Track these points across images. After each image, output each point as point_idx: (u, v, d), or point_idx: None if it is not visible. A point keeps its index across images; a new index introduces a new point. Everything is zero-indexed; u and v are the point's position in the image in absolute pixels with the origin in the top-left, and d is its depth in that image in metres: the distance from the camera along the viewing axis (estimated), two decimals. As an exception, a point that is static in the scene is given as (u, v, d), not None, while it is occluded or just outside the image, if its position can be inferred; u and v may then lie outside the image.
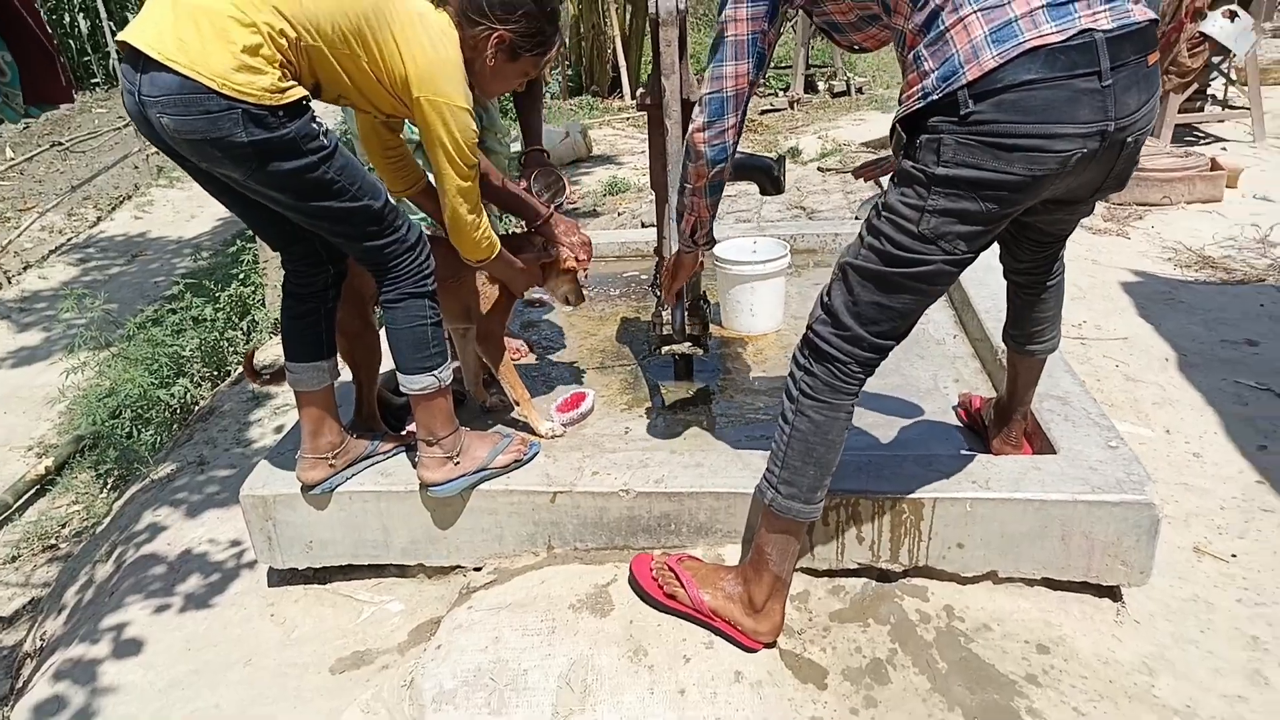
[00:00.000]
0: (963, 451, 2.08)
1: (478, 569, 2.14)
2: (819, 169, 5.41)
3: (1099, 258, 4.16)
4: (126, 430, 3.99)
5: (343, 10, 1.69)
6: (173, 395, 3.98)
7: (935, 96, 1.41)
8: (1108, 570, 1.89)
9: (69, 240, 8.11)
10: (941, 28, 1.42)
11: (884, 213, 1.55)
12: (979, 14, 1.40)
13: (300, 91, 1.66)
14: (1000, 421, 2.15)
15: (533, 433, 2.39)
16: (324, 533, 2.13)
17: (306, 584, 2.23)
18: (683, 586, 1.85)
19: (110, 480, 3.91)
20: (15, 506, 4.39)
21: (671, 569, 1.88)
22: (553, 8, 1.96)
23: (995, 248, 1.92)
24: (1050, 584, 1.94)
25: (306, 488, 2.06)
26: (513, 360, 2.93)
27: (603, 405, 2.59)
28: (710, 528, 2.01)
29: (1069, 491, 1.85)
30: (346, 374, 2.20)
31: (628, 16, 10.08)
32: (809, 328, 1.67)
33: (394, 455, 2.17)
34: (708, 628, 1.84)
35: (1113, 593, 1.93)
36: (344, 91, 1.80)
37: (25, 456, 5.03)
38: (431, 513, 2.08)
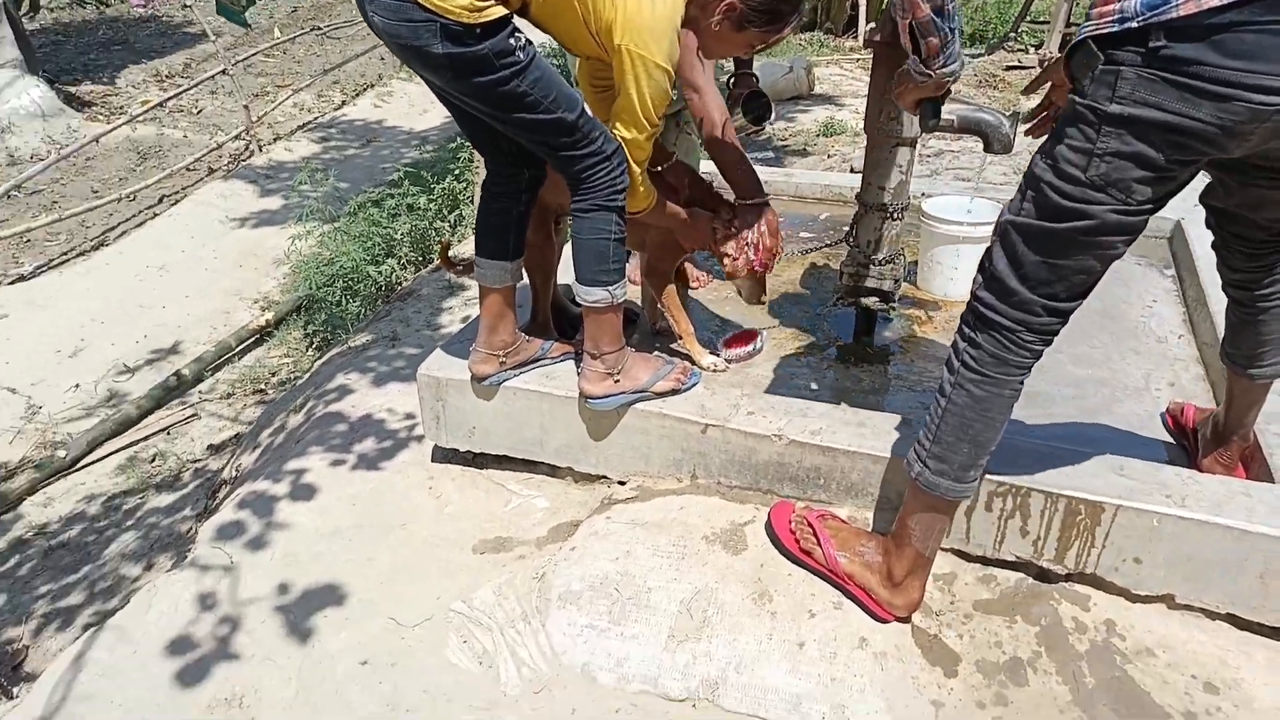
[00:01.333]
0: (1162, 463, 1.87)
1: (622, 483, 2.17)
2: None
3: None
4: (337, 299, 4.34)
5: None
6: (380, 273, 4.27)
7: (1134, 24, 1.22)
8: (1310, 623, 1.66)
9: (315, 119, 8.78)
10: None
11: (1045, 159, 1.38)
12: None
13: (499, 11, 1.67)
14: (1216, 440, 1.91)
15: (695, 364, 2.37)
16: (487, 422, 2.22)
17: (465, 466, 2.35)
18: (820, 545, 1.79)
19: (316, 340, 4.27)
20: (236, 350, 4.91)
21: (811, 525, 1.82)
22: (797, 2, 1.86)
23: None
24: (1236, 621, 1.73)
25: (476, 379, 2.14)
26: (693, 287, 2.92)
27: (773, 348, 2.53)
28: (862, 489, 1.93)
29: (1281, 527, 1.63)
30: (526, 279, 2.26)
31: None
32: (972, 294, 1.54)
33: (561, 361, 2.22)
34: (840, 589, 1.78)
35: (1311, 648, 1.70)
36: (547, 22, 1.81)
37: (252, 308, 5.59)
38: (587, 422, 2.12)
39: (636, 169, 1.94)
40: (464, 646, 1.82)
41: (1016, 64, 6.68)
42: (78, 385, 4.68)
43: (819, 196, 3.58)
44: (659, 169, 2.28)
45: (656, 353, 2.30)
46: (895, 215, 2.41)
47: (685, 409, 2.04)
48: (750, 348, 2.45)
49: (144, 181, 6.83)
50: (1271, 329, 1.72)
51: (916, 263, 2.89)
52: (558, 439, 2.18)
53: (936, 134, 2.38)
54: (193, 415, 4.41)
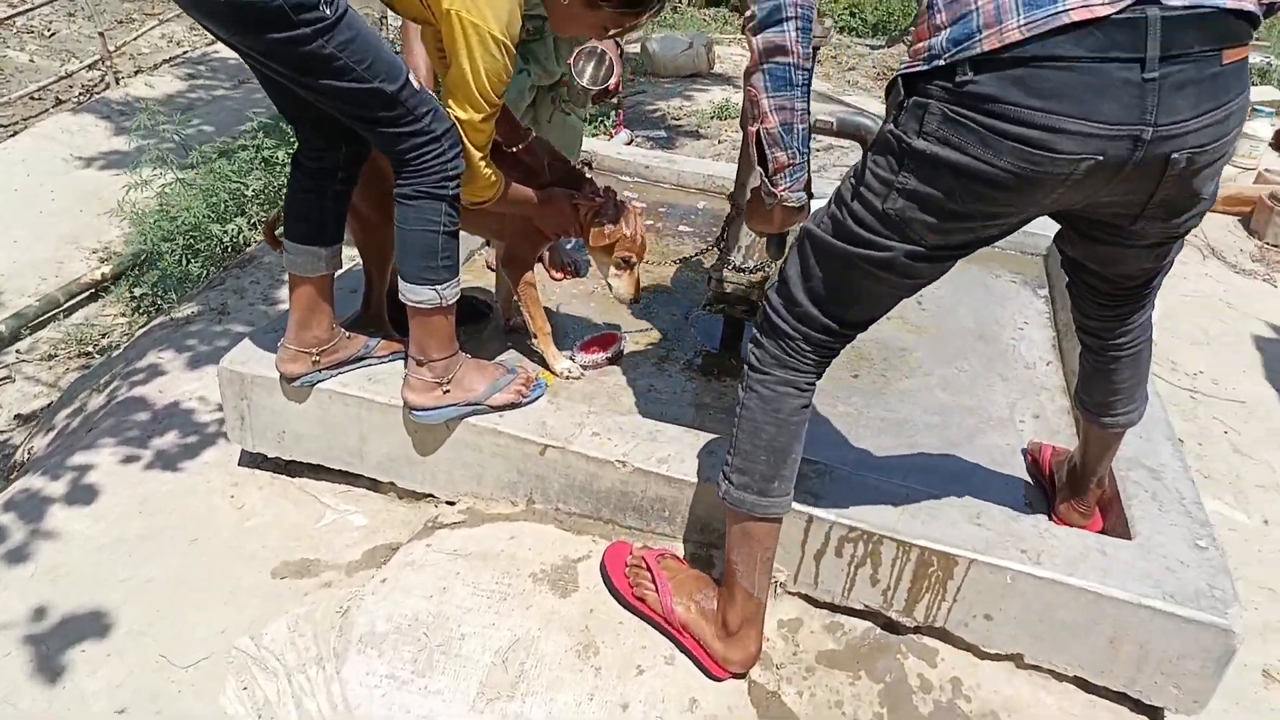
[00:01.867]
0: (1018, 510, 1.77)
1: (451, 503, 1.94)
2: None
3: (1236, 302, 3.66)
4: (178, 257, 3.92)
5: None
6: (225, 232, 3.87)
7: (943, 62, 1.14)
8: (1156, 689, 1.58)
9: (185, 54, 8.08)
10: None
11: (852, 179, 1.32)
12: None
13: None
14: (1072, 488, 1.82)
15: (547, 367, 2.16)
16: (298, 426, 1.96)
17: (275, 473, 2.08)
18: (655, 589, 1.62)
19: (144, 304, 3.86)
20: (64, 306, 4.42)
21: (648, 567, 1.65)
22: None
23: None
24: (1083, 684, 1.65)
25: (285, 379, 1.87)
26: (556, 279, 2.70)
27: (633, 353, 2.34)
28: (708, 525, 1.77)
29: (1134, 590, 1.54)
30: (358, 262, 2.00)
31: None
32: (765, 293, 1.47)
33: (389, 361, 1.97)
34: (674, 641, 1.61)
35: (1153, 712, 1.64)
36: None
37: (89, 259, 5.06)
38: (412, 434, 1.88)
39: (475, 153, 1.71)
40: (243, 694, 1.58)
41: (917, 60, 6.67)
42: None
43: (702, 187, 3.39)
44: (513, 149, 2.05)
45: (499, 359, 2.08)
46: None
47: (523, 426, 1.83)
48: (609, 352, 2.25)
49: (-29, 114, 6.14)
50: (1123, 377, 1.63)
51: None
52: (379, 450, 1.93)
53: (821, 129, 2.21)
54: (5, 378, 3.94)
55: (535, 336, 2.16)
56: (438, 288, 1.70)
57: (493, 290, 2.50)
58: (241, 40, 1.47)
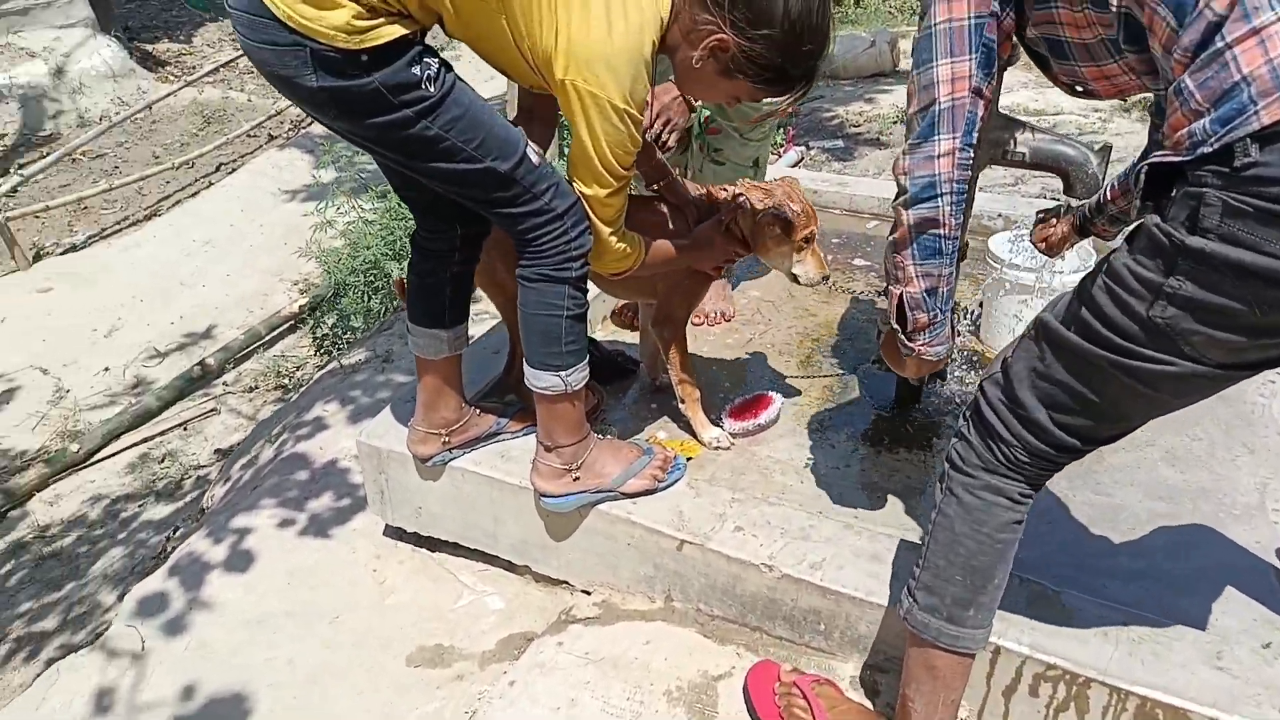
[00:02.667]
0: (1275, 646, 1.40)
1: (587, 592, 1.81)
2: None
3: None
4: (360, 294, 4.06)
5: None
6: (402, 269, 3.96)
7: (1208, 149, 0.96)
8: None
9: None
10: (1221, 45, 0.96)
11: (1106, 276, 1.10)
12: None
13: (393, 33, 1.29)
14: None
15: (694, 435, 1.98)
16: (434, 504, 1.89)
17: (417, 546, 2.03)
18: (810, 722, 1.40)
19: (325, 343, 4.02)
20: (265, 339, 4.72)
21: (802, 693, 1.43)
22: (808, 61, 1.45)
23: None
24: None
25: (417, 459, 1.80)
26: (710, 324, 2.51)
27: (791, 416, 2.10)
28: (874, 645, 1.52)
29: None
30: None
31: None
32: (980, 381, 1.27)
33: (522, 436, 1.85)
34: (826, 789, 1.39)
35: None
36: (472, 46, 1.42)
37: (290, 290, 5.41)
38: (544, 519, 1.76)
39: (604, 229, 1.55)
40: (365, 803, 1.51)
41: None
42: (107, 369, 4.58)
43: (878, 212, 3.08)
44: (654, 187, 1.88)
45: (637, 437, 1.91)
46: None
47: (658, 517, 1.66)
48: (762, 418, 2.03)
49: (201, 149, 6.73)
50: None
51: (981, 308, 2.41)
52: (513, 532, 1.83)
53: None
54: (212, 410, 4.24)
55: (683, 401, 1.98)
56: (562, 374, 1.56)
57: (637, 343, 2.34)
58: (341, 126, 1.39)
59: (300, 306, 4.85)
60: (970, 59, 1.21)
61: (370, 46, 1.28)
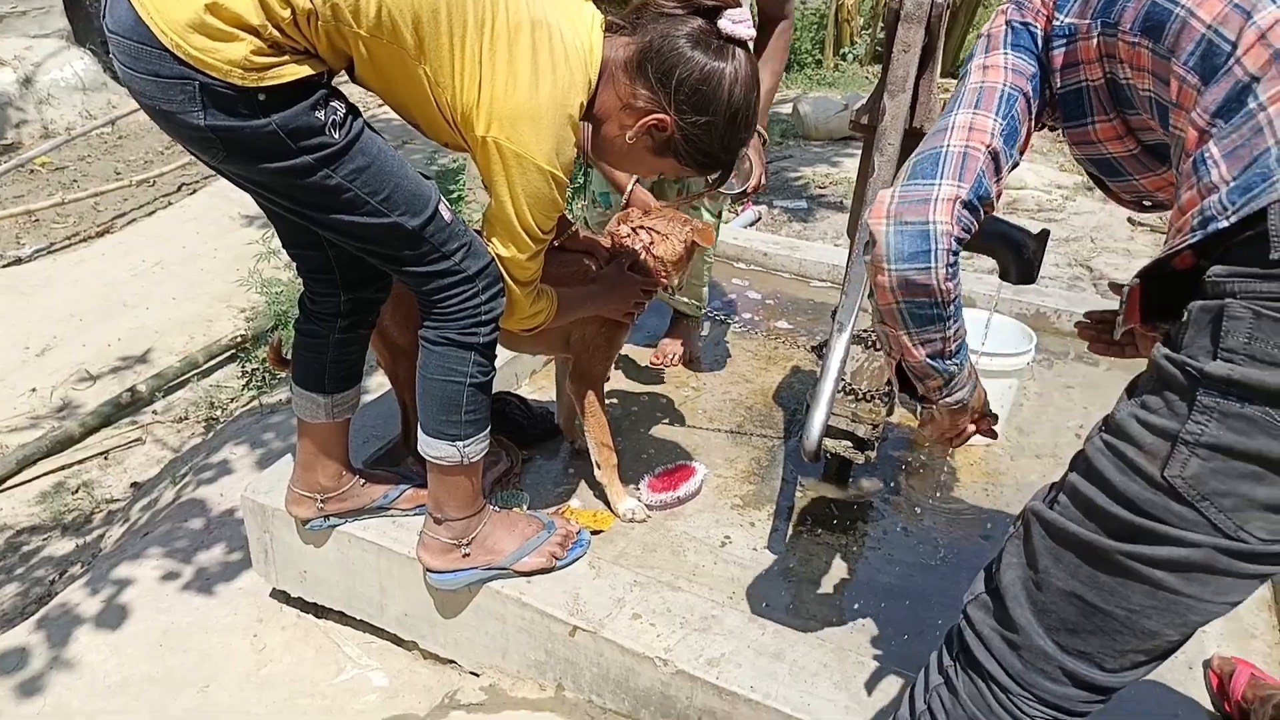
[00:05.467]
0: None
1: (475, 674, 1.68)
2: (1129, 219, 4.26)
3: None
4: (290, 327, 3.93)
5: None
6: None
7: (1223, 223, 0.78)
8: None
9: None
10: (1254, 105, 0.81)
11: (1106, 434, 0.89)
12: None
13: (296, 73, 1.19)
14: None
15: (610, 507, 1.87)
16: (319, 569, 1.76)
17: (303, 611, 1.89)
18: None
19: (254, 378, 3.88)
20: (203, 367, 4.57)
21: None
22: (739, 148, 1.42)
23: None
24: None
25: (295, 519, 1.68)
26: (662, 364, 2.42)
27: (713, 489, 2.00)
28: (767, 751, 1.41)
29: None
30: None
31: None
32: (964, 606, 1.01)
33: (415, 514, 1.72)
34: None
35: None
36: (382, 94, 1.32)
37: (237, 318, 5.27)
38: (433, 594, 1.64)
39: (518, 291, 1.46)
40: None
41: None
42: (34, 390, 4.40)
43: (827, 278, 3.02)
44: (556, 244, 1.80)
45: (545, 511, 1.80)
46: (879, 345, 1.88)
47: (551, 599, 1.55)
48: (681, 491, 1.93)
49: (164, 167, 6.62)
50: None
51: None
52: (400, 605, 1.70)
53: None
54: (136, 440, 4.07)
55: (599, 465, 1.88)
56: (459, 444, 1.45)
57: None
58: (228, 168, 1.29)
59: (241, 335, 4.72)
60: (995, 119, 1.05)
61: (269, 85, 1.18)
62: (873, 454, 1.96)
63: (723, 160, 1.42)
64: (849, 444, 1.93)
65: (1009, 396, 2.18)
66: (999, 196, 1.08)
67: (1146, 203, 1.16)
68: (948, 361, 1.09)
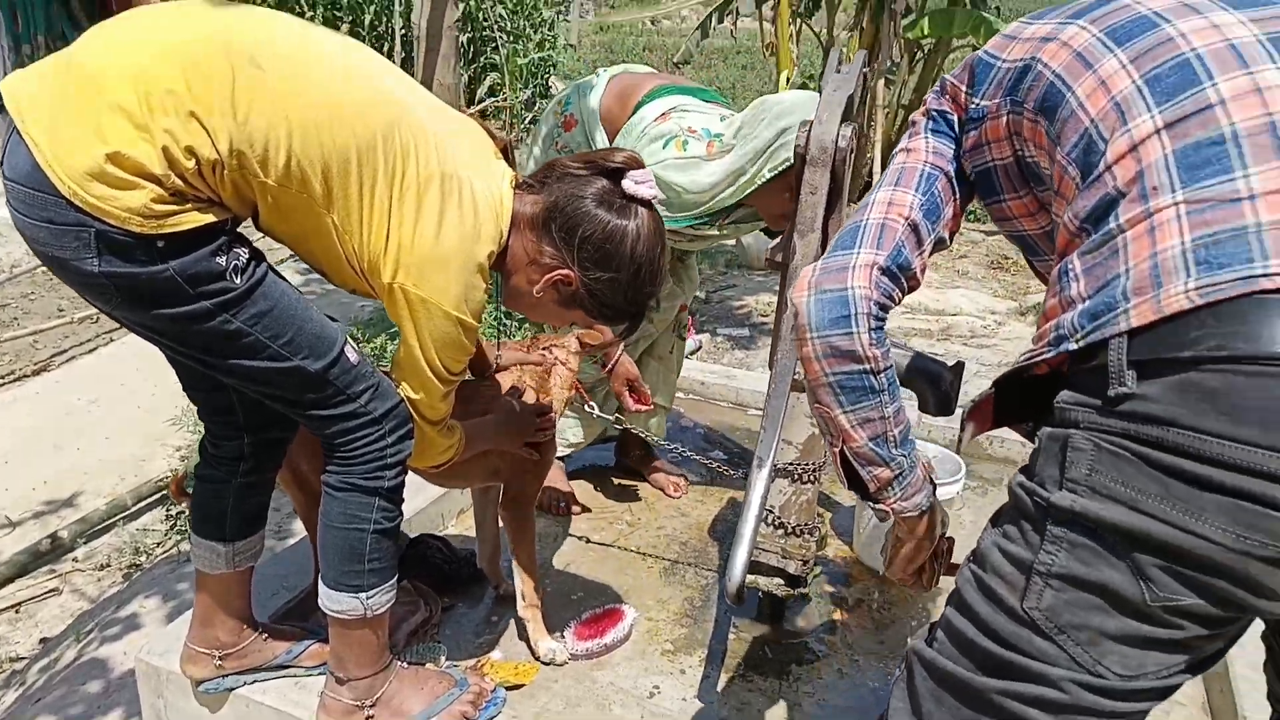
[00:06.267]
0: None
1: None
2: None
3: None
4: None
5: (314, 137, 1.20)
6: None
7: (1073, 345, 0.81)
8: None
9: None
10: (1114, 226, 0.82)
11: (973, 563, 0.91)
12: (1183, 208, 0.78)
13: (197, 220, 1.19)
14: None
15: (531, 649, 1.80)
16: (215, 737, 1.63)
17: (200, 784, 1.74)
18: None
19: (180, 521, 3.74)
20: (131, 510, 4.40)
21: None
22: (647, 300, 1.46)
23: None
24: None
25: (190, 678, 1.57)
26: (673, 493, 2.43)
27: (644, 633, 1.92)
28: None
29: None
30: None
31: (898, 120, 9.39)
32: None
33: (319, 673, 1.61)
34: None
35: None
36: (288, 242, 1.33)
37: (171, 457, 5.12)
38: (335, 761, 1.52)
39: (429, 429, 1.44)
40: None
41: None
42: (-51, 538, 4.18)
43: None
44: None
45: (451, 664, 1.71)
46: (806, 478, 1.86)
47: (460, 764, 1.44)
48: (608, 637, 1.85)
49: (107, 304, 6.55)
50: None
51: (855, 519, 2.31)
52: (302, 775, 1.57)
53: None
54: (53, 591, 3.86)
55: (523, 598, 1.83)
56: (362, 595, 1.39)
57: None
58: (122, 314, 1.27)
59: (173, 473, 4.57)
60: (915, 194, 1.07)
61: (168, 232, 1.16)
62: (805, 590, 1.92)
63: (629, 313, 1.45)
64: (780, 581, 1.88)
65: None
66: (923, 271, 1.09)
67: None
68: (894, 449, 1.05)
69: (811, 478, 1.86)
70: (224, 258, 1.22)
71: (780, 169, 1.85)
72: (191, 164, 1.16)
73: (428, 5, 3.93)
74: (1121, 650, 0.79)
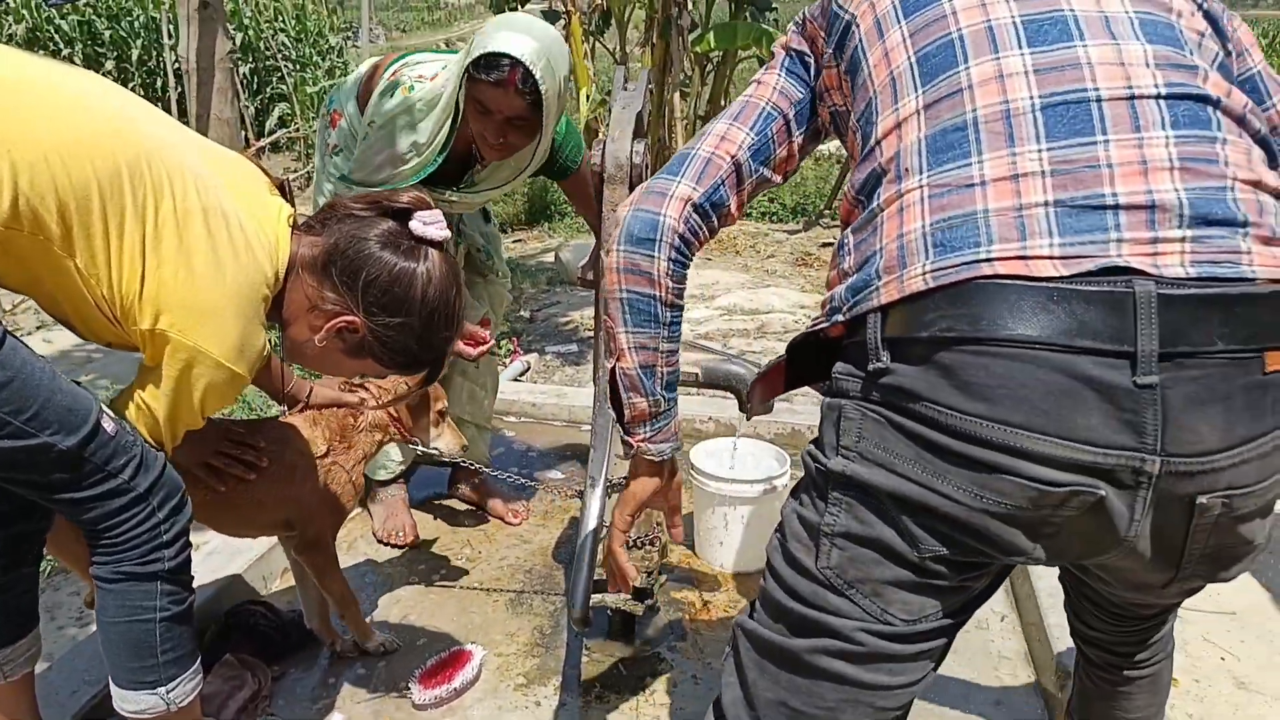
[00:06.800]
0: None
1: None
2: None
3: None
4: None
5: (46, 172, 1.07)
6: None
7: (841, 318, 0.88)
8: None
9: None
10: (875, 205, 0.88)
11: (778, 531, 0.97)
12: (926, 191, 0.84)
13: None
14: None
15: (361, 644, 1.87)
16: None
17: None
18: None
19: None
20: None
21: None
22: (443, 347, 1.39)
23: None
24: None
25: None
26: (394, 542, 2.30)
27: (494, 670, 1.88)
28: None
29: None
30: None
31: (695, 130, 9.71)
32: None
33: None
34: None
35: None
36: (27, 291, 1.18)
37: None
38: None
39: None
40: None
41: (832, 241, 6.63)
42: None
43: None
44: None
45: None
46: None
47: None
48: (457, 682, 1.79)
49: None
50: (1138, 704, 1.22)
51: (693, 523, 2.35)
52: None
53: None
54: None
55: (342, 617, 1.85)
56: (160, 690, 1.26)
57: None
58: None
59: None
60: (748, 133, 1.09)
61: None
62: (653, 601, 1.93)
63: (425, 360, 1.38)
64: (626, 596, 1.88)
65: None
66: (740, 208, 1.13)
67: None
68: (658, 387, 1.12)
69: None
70: None
71: (467, 71, 1.75)
72: None
73: (194, 38, 3.68)
74: (903, 597, 0.85)
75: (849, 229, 0.92)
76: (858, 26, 0.99)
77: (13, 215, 1.07)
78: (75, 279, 1.15)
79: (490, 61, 1.70)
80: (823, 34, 1.06)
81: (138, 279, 1.15)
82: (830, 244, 6.55)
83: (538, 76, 1.68)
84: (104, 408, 1.21)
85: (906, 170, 0.85)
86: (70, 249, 1.12)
